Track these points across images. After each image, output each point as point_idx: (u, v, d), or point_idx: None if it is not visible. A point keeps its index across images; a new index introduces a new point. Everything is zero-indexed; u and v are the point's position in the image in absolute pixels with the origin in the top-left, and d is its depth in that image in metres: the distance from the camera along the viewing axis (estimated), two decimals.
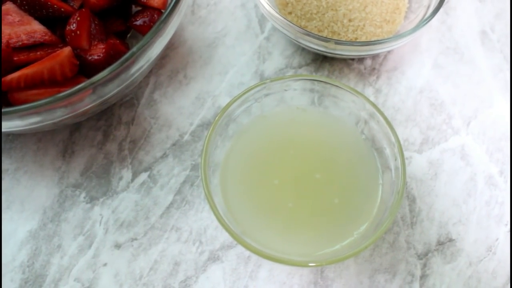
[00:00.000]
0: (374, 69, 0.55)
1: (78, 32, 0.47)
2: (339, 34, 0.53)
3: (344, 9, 0.54)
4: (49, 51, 0.47)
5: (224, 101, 0.54)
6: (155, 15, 0.51)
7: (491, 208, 0.50)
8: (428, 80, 0.55)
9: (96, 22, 0.50)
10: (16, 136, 0.52)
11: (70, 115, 0.46)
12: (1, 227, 0.48)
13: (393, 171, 0.45)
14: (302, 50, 0.56)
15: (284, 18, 0.50)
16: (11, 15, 0.47)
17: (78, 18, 0.48)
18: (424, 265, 0.47)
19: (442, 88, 0.55)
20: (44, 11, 0.48)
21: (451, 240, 0.48)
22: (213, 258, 0.47)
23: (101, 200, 0.50)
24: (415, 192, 0.50)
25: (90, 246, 0.48)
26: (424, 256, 0.48)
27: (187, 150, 0.52)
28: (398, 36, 0.50)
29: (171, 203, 0.49)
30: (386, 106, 0.54)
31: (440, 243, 0.48)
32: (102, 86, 0.44)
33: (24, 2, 0.47)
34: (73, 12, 0.48)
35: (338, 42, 0.49)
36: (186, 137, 0.52)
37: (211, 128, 0.45)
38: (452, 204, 0.50)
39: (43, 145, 0.52)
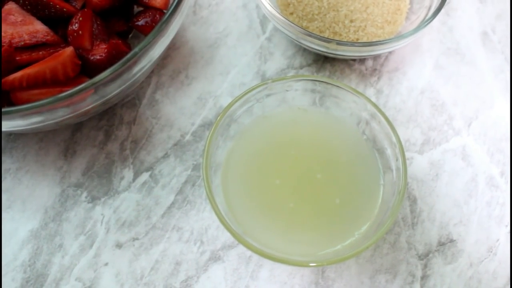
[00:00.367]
0: (375, 69, 0.55)
1: (80, 32, 0.47)
2: (340, 34, 0.54)
3: (345, 10, 0.54)
4: (51, 51, 0.47)
5: (225, 101, 0.54)
6: (157, 16, 0.51)
7: (492, 209, 0.50)
8: (429, 80, 0.55)
9: (98, 22, 0.50)
10: (18, 135, 0.52)
11: (72, 115, 0.46)
12: (1, 227, 0.48)
13: (394, 171, 0.45)
14: (304, 50, 0.56)
15: (286, 19, 0.50)
16: (13, 15, 0.47)
17: (80, 18, 0.48)
18: (425, 266, 0.47)
19: (443, 89, 0.55)
20: (46, 11, 0.48)
21: (452, 240, 0.48)
22: (214, 258, 0.47)
23: (102, 199, 0.50)
24: (416, 192, 0.50)
25: (91, 246, 0.48)
26: (425, 257, 0.48)
27: (189, 150, 0.52)
28: (399, 37, 0.50)
29: (173, 203, 0.50)
30: (387, 107, 0.54)
31: (441, 244, 0.48)
32: (104, 86, 0.44)
33: (27, 2, 0.47)
34: (75, 12, 0.49)
35: (339, 43, 0.49)
36: (188, 137, 0.52)
37: (212, 129, 0.45)
38: (453, 204, 0.50)
39: (45, 144, 0.52)
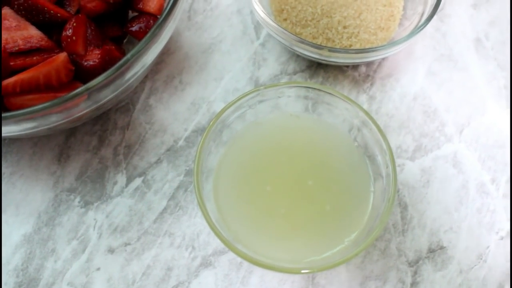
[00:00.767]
0: (368, 76, 0.56)
1: (74, 37, 0.48)
2: (333, 41, 0.54)
3: (339, 16, 0.54)
4: (45, 56, 0.48)
5: (219, 107, 0.54)
6: (151, 21, 0.52)
7: (483, 216, 0.50)
8: (422, 87, 0.56)
9: (92, 27, 0.50)
10: (13, 140, 0.53)
11: (66, 120, 0.46)
12: (1, 228, 0.49)
13: (384, 178, 0.45)
14: (297, 56, 0.56)
15: (279, 26, 0.50)
16: (8, 20, 0.47)
17: (74, 24, 0.48)
18: (415, 273, 0.48)
19: (435, 95, 0.55)
20: (41, 16, 0.49)
21: (442, 247, 0.48)
22: (206, 263, 0.48)
23: (95, 204, 0.50)
24: (407, 199, 0.50)
25: (83, 251, 0.48)
26: (415, 264, 0.48)
27: (181, 156, 0.52)
28: (392, 43, 0.50)
29: (165, 209, 0.50)
30: (379, 113, 0.54)
31: (431, 251, 0.48)
32: (97, 92, 0.45)
33: (21, 7, 0.47)
34: (69, 18, 0.49)
35: (331, 50, 0.49)
36: (181, 142, 0.53)
37: (204, 135, 0.45)
38: (443, 211, 0.50)
39: (39, 149, 0.52)
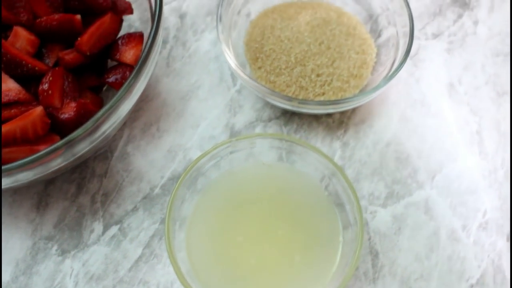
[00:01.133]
0: (342, 122, 0.57)
1: (50, 91, 0.49)
2: (306, 89, 0.55)
3: (312, 64, 0.55)
4: (23, 109, 0.49)
5: (195, 154, 0.55)
6: (127, 72, 0.53)
7: (453, 263, 0.51)
8: (395, 133, 0.57)
9: (69, 79, 0.51)
10: None
11: (43, 174, 0.47)
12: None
13: (353, 228, 0.46)
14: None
15: (249, 78, 0.51)
16: None
17: (51, 78, 0.49)
18: None
19: (408, 141, 0.56)
20: (19, 69, 0.50)
21: None
22: None
23: (72, 253, 0.51)
24: (378, 247, 0.51)
25: None
26: None
27: (157, 204, 0.53)
28: (361, 95, 0.51)
29: (140, 257, 0.51)
30: (352, 160, 0.55)
31: None
32: (73, 146, 0.46)
33: (0, 61, 0.49)
34: (47, 71, 0.50)
35: (301, 102, 0.50)
36: (157, 190, 0.54)
37: (176, 185, 0.46)
38: (414, 259, 0.51)
39: (19, 197, 0.54)
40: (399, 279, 0.50)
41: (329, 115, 0.57)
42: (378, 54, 0.58)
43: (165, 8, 0.62)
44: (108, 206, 0.53)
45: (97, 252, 0.51)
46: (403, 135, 0.57)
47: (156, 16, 0.49)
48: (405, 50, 0.54)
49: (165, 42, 0.61)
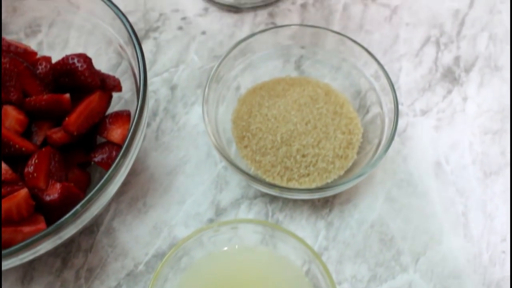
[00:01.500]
0: (327, 201, 0.57)
1: (35, 174, 0.50)
2: (291, 169, 0.55)
3: (298, 145, 0.56)
4: (9, 189, 0.50)
5: (179, 231, 0.56)
6: (114, 152, 0.53)
7: None
8: (380, 213, 0.57)
9: (56, 159, 0.52)
10: None
11: (29, 258, 0.48)
12: None
13: None
14: None
15: (230, 163, 0.52)
16: None
17: (36, 161, 0.50)
18: None
19: (393, 222, 0.56)
20: (6, 149, 0.51)
21: None
22: None
23: None
24: None
25: None
26: None
27: (141, 281, 0.53)
28: (345, 182, 0.52)
29: None
30: (336, 241, 0.55)
31: None
32: (57, 232, 0.47)
33: None
34: (34, 151, 0.51)
35: (282, 190, 0.51)
36: (141, 267, 0.54)
37: (159, 266, 0.46)
38: None
39: (4, 271, 0.54)
40: None
41: None
42: (366, 132, 0.59)
43: (157, 79, 0.63)
44: (92, 282, 0.53)
45: None
46: (388, 215, 0.57)
47: (140, 100, 0.50)
48: (391, 131, 0.54)
49: (155, 114, 0.61)
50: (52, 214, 0.50)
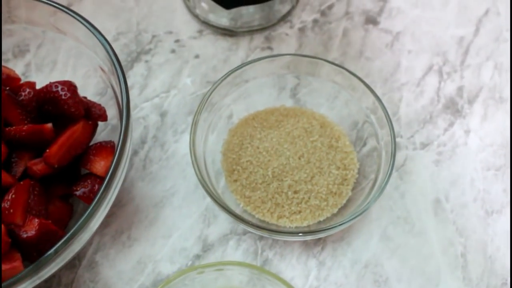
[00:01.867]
0: (320, 238, 0.55)
1: (11, 210, 0.48)
2: (282, 206, 0.53)
3: (290, 180, 0.53)
4: None
5: (164, 267, 0.53)
6: (96, 185, 0.51)
7: None
8: (374, 253, 0.54)
9: (36, 191, 0.50)
10: None
11: None
12: None
13: None
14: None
15: (216, 201, 0.50)
16: None
17: (13, 196, 0.48)
18: None
19: (388, 262, 0.54)
20: None
21: None
22: None
23: None
24: None
25: None
26: None
27: None
28: (337, 224, 0.50)
29: None
30: (328, 281, 0.53)
31: None
32: (36, 272, 0.45)
33: None
34: (13, 184, 0.49)
35: (271, 233, 0.49)
36: None
37: None
38: None
39: None
40: None
41: None
42: (362, 165, 0.56)
43: (147, 105, 0.61)
44: None
45: None
46: (383, 255, 0.54)
47: (122, 135, 0.48)
48: (388, 167, 0.52)
49: (143, 142, 0.59)
50: (30, 250, 0.48)
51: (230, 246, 0.55)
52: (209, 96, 0.55)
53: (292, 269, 0.54)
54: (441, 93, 0.62)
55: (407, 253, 0.54)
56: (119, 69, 0.49)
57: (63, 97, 0.51)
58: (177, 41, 0.65)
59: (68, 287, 0.53)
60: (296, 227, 0.53)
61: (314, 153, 0.55)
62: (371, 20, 0.66)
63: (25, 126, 0.50)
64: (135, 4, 0.67)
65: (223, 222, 0.55)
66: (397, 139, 0.59)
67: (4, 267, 0.47)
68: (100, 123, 0.56)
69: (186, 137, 0.60)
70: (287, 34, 0.66)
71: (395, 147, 0.52)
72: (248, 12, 0.64)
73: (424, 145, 0.60)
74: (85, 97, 0.55)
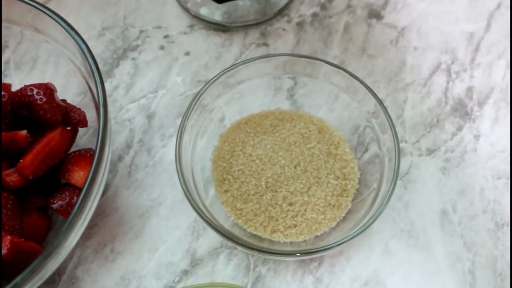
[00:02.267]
0: None
1: None
2: (276, 220, 0.49)
3: (284, 191, 0.49)
4: None
5: (149, 283, 0.50)
6: (74, 198, 0.48)
7: None
8: (375, 269, 0.50)
9: (9, 205, 0.46)
10: None
11: None
12: None
13: None
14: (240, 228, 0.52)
15: (209, 224, 0.45)
16: None
17: None
18: None
19: (390, 280, 0.50)
20: None
21: None
22: None
23: None
24: None
25: None
26: None
27: None
28: (333, 244, 0.46)
29: None
30: None
31: None
32: None
33: None
34: None
35: (262, 253, 0.45)
36: None
37: None
38: None
39: None
40: None
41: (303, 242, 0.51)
42: (363, 174, 0.52)
43: (133, 106, 0.57)
44: None
45: None
46: (385, 271, 0.51)
47: (98, 149, 0.44)
48: (392, 177, 0.48)
49: (129, 147, 0.55)
50: (3, 269, 0.45)
51: (220, 261, 0.51)
52: (199, 97, 0.51)
53: (286, 287, 0.50)
54: (449, 94, 0.58)
55: (410, 269, 0.51)
56: (97, 75, 0.45)
57: (38, 101, 0.48)
58: (166, 36, 0.61)
59: None
60: (291, 243, 0.49)
61: (311, 162, 0.51)
62: (375, 14, 0.62)
63: None
64: None
65: (214, 234, 0.52)
66: (401, 145, 0.55)
67: None
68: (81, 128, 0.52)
69: (174, 142, 0.55)
70: (284, 29, 0.61)
71: (399, 153, 0.48)
72: (242, 6, 0.60)
73: (430, 151, 0.56)
74: (64, 100, 0.51)
